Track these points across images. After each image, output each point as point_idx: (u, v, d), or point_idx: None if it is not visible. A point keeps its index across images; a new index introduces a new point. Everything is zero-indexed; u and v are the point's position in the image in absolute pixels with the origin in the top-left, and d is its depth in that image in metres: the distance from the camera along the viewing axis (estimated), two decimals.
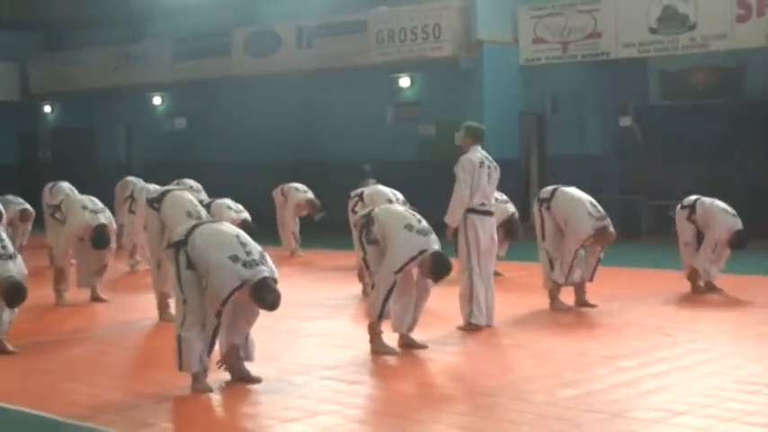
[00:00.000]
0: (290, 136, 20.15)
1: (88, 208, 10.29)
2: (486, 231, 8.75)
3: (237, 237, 6.53)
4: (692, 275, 10.91)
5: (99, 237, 10.12)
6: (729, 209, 10.88)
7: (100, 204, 10.49)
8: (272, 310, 6.46)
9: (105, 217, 10.32)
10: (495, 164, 8.92)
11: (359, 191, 12.36)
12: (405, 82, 19.24)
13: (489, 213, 8.84)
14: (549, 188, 10.04)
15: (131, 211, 13.16)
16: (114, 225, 10.67)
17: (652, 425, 5.63)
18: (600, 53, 17.09)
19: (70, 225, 10.26)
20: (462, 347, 8.00)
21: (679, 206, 11.20)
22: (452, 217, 8.73)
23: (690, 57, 16.66)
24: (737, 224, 10.74)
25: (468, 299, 8.67)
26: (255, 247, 6.51)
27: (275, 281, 6.42)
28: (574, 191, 9.91)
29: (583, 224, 9.55)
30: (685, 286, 10.91)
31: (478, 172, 8.69)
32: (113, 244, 10.57)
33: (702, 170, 16.75)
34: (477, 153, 8.83)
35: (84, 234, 10.21)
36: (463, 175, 8.70)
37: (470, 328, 8.61)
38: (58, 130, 26.13)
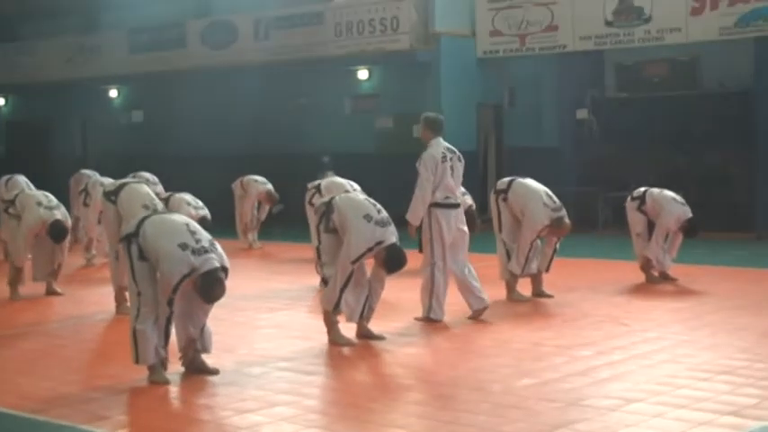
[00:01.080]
0: (248, 128, 20.08)
1: (43, 204, 10.20)
2: (452, 224, 8.67)
3: (187, 225, 6.53)
4: (645, 266, 11.04)
5: (55, 231, 10.05)
6: (678, 198, 11.03)
7: (54, 201, 10.39)
8: (210, 303, 6.47)
9: (61, 213, 10.25)
10: (458, 154, 8.83)
11: (316, 182, 12.34)
12: (363, 74, 19.24)
13: (455, 206, 8.75)
14: (506, 179, 10.10)
15: (86, 205, 13.05)
16: (69, 221, 10.59)
17: (606, 412, 5.69)
18: (557, 46, 17.19)
19: (26, 223, 10.16)
20: (419, 338, 8.02)
21: (629, 197, 11.34)
22: (414, 215, 8.71)
23: (645, 50, 16.82)
24: (687, 212, 10.89)
25: (429, 293, 8.65)
26: (205, 235, 6.50)
27: (226, 270, 6.41)
28: (530, 182, 9.97)
29: (538, 215, 9.62)
30: (640, 276, 11.04)
31: (441, 167, 8.62)
32: (67, 242, 10.48)
33: (658, 162, 16.95)
34: (439, 147, 8.75)
35: (39, 231, 10.13)
36: (425, 173, 8.63)
37: (428, 321, 8.62)
38: (12, 123, 25.82)
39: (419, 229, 8.78)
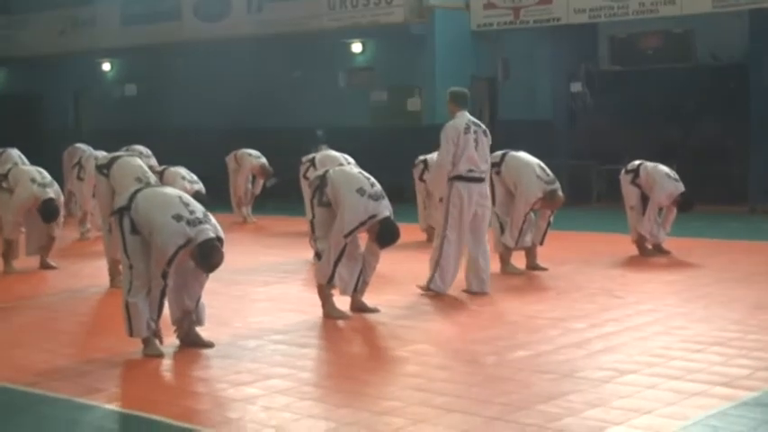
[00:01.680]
0: (242, 102, 20.01)
1: (36, 181, 10.20)
2: (473, 199, 8.51)
3: (180, 197, 6.52)
4: (639, 239, 11.07)
5: (47, 210, 10.07)
6: (672, 173, 11.04)
7: (48, 177, 10.39)
8: (210, 272, 6.46)
9: (54, 191, 10.26)
10: (483, 127, 8.68)
11: (310, 156, 12.34)
12: (357, 47, 19.17)
13: (478, 180, 8.56)
14: (499, 153, 10.08)
15: (80, 179, 13.04)
16: (62, 198, 10.60)
17: (600, 384, 5.72)
18: (551, 18, 17.12)
19: (18, 198, 10.16)
20: (414, 311, 8.04)
21: (623, 171, 11.35)
22: (436, 186, 8.70)
23: (639, 22, 16.78)
24: (679, 188, 10.90)
25: (435, 264, 8.58)
26: (198, 206, 6.50)
27: (221, 240, 6.41)
28: (523, 155, 9.97)
29: (532, 187, 9.63)
30: (634, 249, 11.07)
31: (464, 138, 8.46)
32: (61, 217, 10.47)
33: (651, 134, 16.95)
34: (464, 119, 8.59)
35: (31, 207, 10.14)
36: (445, 143, 8.51)
37: (429, 292, 8.59)
38: (5, 96, 25.66)
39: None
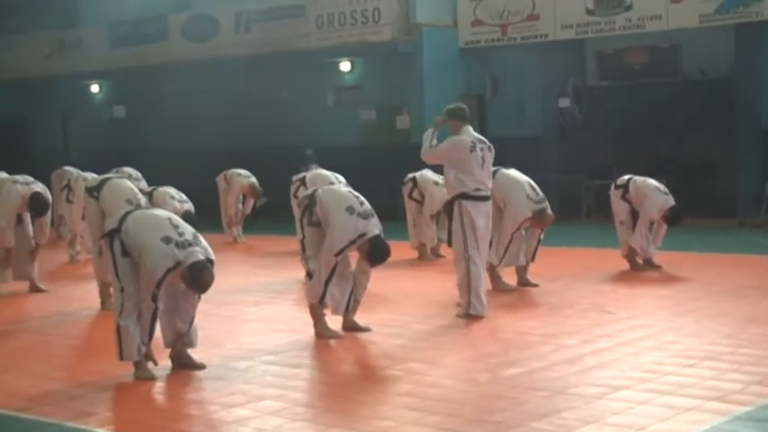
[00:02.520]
0: (231, 122, 20.01)
1: (19, 181, 10.30)
2: (482, 217, 8.34)
3: (169, 219, 6.51)
4: (630, 254, 11.08)
5: (37, 203, 10.17)
6: (661, 187, 11.07)
7: (31, 178, 10.50)
8: (202, 292, 6.44)
9: (40, 187, 10.42)
10: (488, 144, 8.48)
11: (301, 175, 12.34)
12: (345, 66, 19.19)
13: (484, 198, 8.38)
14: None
15: (69, 201, 12.99)
16: (49, 195, 10.63)
17: (593, 400, 5.71)
18: (538, 35, 17.21)
19: (7, 201, 10.22)
20: (406, 329, 8.02)
21: (613, 186, 11.37)
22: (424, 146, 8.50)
23: (626, 38, 16.87)
24: (669, 201, 10.92)
25: (467, 289, 8.29)
26: (188, 228, 6.49)
27: (211, 262, 6.40)
28: (513, 173, 9.97)
29: (520, 207, 9.61)
30: (625, 264, 11.07)
31: (469, 157, 8.24)
32: (48, 218, 10.47)
33: (640, 149, 17.00)
34: (469, 135, 8.40)
35: (21, 208, 10.16)
36: (445, 144, 8.35)
37: (470, 317, 8.29)
38: None
39: (450, 221, 8.47)
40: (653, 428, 5.14)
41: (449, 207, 8.50)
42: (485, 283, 8.42)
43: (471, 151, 8.29)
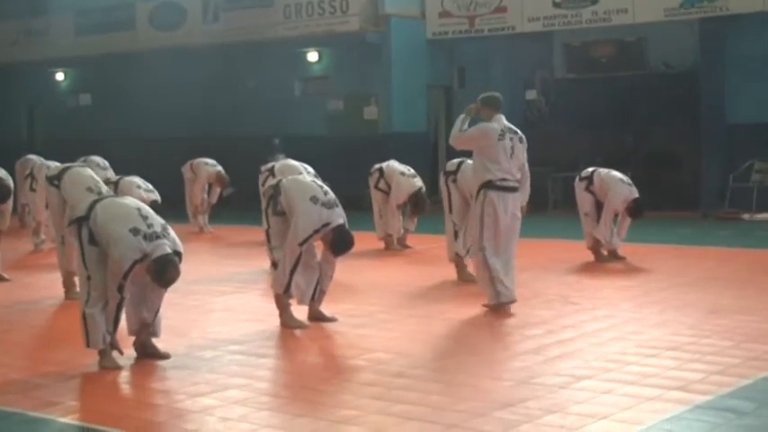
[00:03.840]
0: (198, 111, 19.94)
1: None
2: (508, 209, 8.11)
3: (139, 210, 6.46)
4: (594, 246, 11.17)
5: None
6: (625, 178, 11.17)
7: None
8: (165, 287, 6.42)
9: (2, 173, 10.28)
10: (519, 134, 8.26)
11: (269, 165, 12.32)
12: (312, 56, 19.17)
13: (512, 189, 8.16)
14: (456, 161, 10.13)
15: (32, 189, 12.88)
16: (11, 182, 10.54)
17: (557, 390, 5.76)
18: (506, 27, 17.29)
19: None
20: (371, 319, 8.04)
21: (577, 178, 11.46)
22: (454, 135, 8.34)
23: (593, 31, 16.97)
24: (633, 193, 11.02)
25: (489, 280, 8.10)
26: (157, 220, 6.45)
27: (179, 255, 6.37)
28: None
29: None
30: (590, 255, 11.16)
31: (496, 145, 8.04)
32: (9, 205, 10.39)
33: (606, 142, 17.11)
34: (499, 123, 8.19)
35: None
36: (473, 130, 8.20)
37: (499, 308, 8.11)
38: None
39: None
40: (615, 417, 5.19)
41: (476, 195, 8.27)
42: (502, 268, 8.11)
43: (499, 140, 8.09)
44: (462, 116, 8.41)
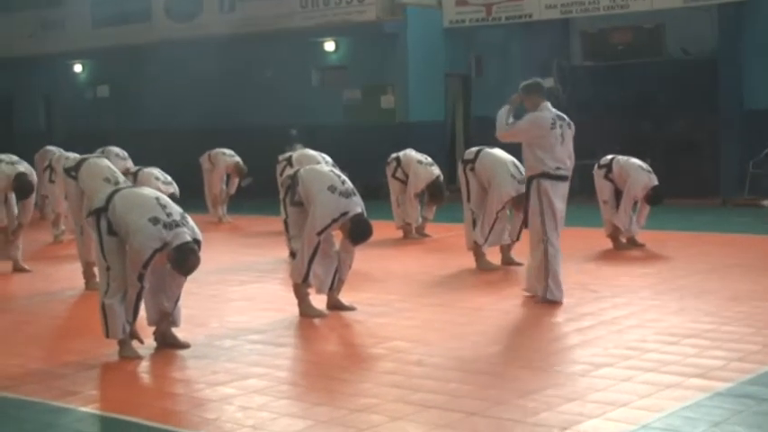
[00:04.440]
0: (215, 101, 19.95)
1: (4, 161, 10.23)
2: (560, 197, 7.94)
3: (157, 199, 6.49)
4: (613, 233, 11.13)
5: (21, 184, 10.11)
6: (645, 165, 11.12)
7: (16, 157, 10.44)
8: (186, 275, 6.44)
9: (24, 167, 10.31)
10: (567, 120, 8.07)
11: (287, 155, 12.33)
12: (329, 46, 19.15)
13: (565, 178, 8.00)
14: (474, 149, 10.11)
15: (51, 181, 12.96)
16: (35, 176, 10.59)
17: (576, 378, 5.75)
18: (523, 15, 17.21)
19: None
20: (390, 308, 8.04)
21: (596, 165, 11.42)
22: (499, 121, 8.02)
23: (610, 17, 16.88)
24: (653, 180, 10.98)
25: (545, 273, 7.90)
26: (176, 208, 6.47)
27: (198, 243, 6.39)
28: (497, 152, 9.98)
29: (505, 186, 9.61)
30: (608, 243, 11.14)
31: (549, 134, 7.84)
32: (32, 201, 10.44)
33: (624, 129, 17.03)
34: (549, 111, 7.97)
35: (6, 187, 10.10)
36: (523, 123, 7.91)
37: (547, 303, 7.90)
38: None
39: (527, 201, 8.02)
40: (635, 405, 5.18)
41: (526, 188, 8.15)
42: (560, 268, 7.95)
43: (552, 128, 7.89)
44: (506, 107, 8.08)
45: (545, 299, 7.93)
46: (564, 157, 7.98)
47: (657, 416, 4.99)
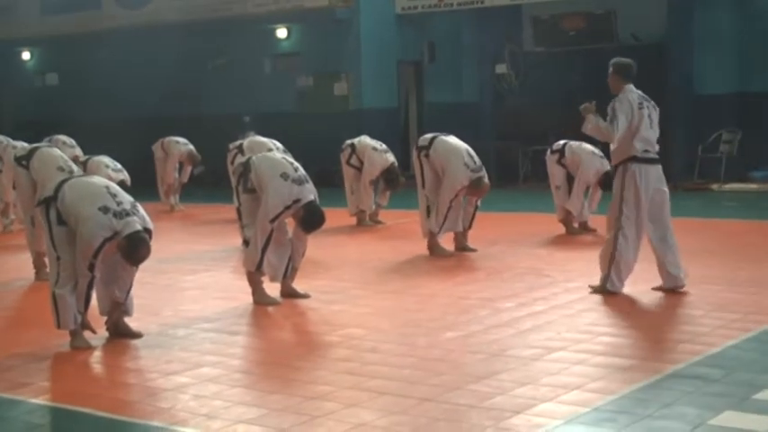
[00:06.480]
0: (166, 89, 19.73)
1: None
2: (651, 183, 7.56)
3: (107, 188, 6.43)
4: (566, 218, 11.21)
5: None
6: (597, 151, 11.20)
7: None
8: (136, 265, 6.40)
9: None
10: (652, 102, 7.76)
11: (238, 143, 12.26)
12: (282, 33, 19.04)
13: (655, 161, 7.65)
14: (428, 136, 10.12)
15: None
16: None
17: (529, 362, 5.79)
18: (474, 1, 17.24)
19: None
20: (344, 296, 8.04)
21: (549, 151, 11.49)
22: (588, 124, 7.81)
23: (561, 4, 16.96)
24: (605, 165, 11.05)
25: (609, 260, 7.62)
26: (126, 197, 6.42)
27: (149, 232, 6.34)
28: (452, 140, 10.00)
29: (458, 175, 9.64)
30: (561, 228, 11.21)
31: (638, 114, 7.52)
32: None
33: (576, 114, 17.07)
34: (634, 93, 7.65)
35: None
36: (622, 115, 7.47)
37: (605, 292, 7.64)
38: None
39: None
40: (587, 388, 5.23)
41: (613, 172, 7.80)
42: (634, 261, 7.65)
43: (640, 108, 7.57)
44: (592, 118, 7.87)
45: (604, 288, 7.65)
46: (652, 139, 7.65)
47: (610, 398, 5.05)
